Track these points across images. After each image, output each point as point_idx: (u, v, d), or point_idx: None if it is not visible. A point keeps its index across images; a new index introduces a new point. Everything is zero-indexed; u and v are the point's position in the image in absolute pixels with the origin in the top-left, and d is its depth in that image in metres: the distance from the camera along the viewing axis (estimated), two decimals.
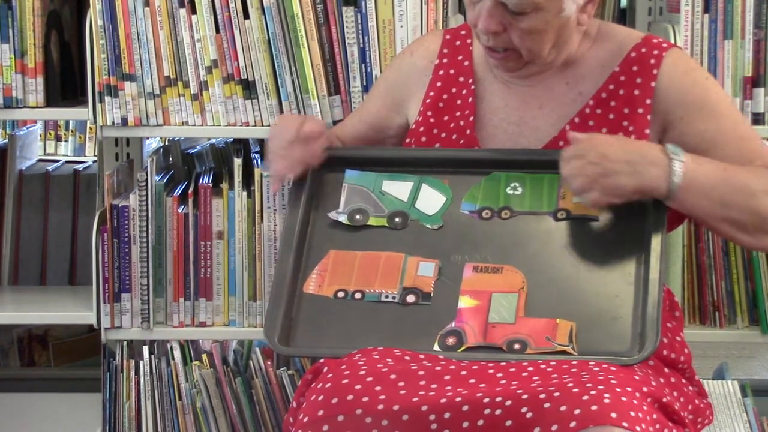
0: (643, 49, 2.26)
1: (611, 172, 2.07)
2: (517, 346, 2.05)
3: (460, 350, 2.06)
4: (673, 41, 2.55)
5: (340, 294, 2.17)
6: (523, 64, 2.24)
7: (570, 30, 2.21)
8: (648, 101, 2.24)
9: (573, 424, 1.82)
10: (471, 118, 2.30)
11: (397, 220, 2.23)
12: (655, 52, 2.25)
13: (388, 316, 2.13)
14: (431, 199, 2.23)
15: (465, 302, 2.11)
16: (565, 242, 2.15)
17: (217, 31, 2.60)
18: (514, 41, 2.18)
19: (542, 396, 1.86)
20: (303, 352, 2.15)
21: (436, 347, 2.07)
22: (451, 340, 2.08)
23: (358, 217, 2.24)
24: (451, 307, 2.11)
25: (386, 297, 2.15)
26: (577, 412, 1.83)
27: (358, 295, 2.16)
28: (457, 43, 2.37)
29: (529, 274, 2.12)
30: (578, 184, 2.09)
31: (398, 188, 2.26)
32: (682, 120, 2.22)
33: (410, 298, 2.14)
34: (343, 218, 2.24)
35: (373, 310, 2.14)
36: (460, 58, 2.36)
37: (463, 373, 1.96)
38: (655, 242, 2.10)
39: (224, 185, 2.65)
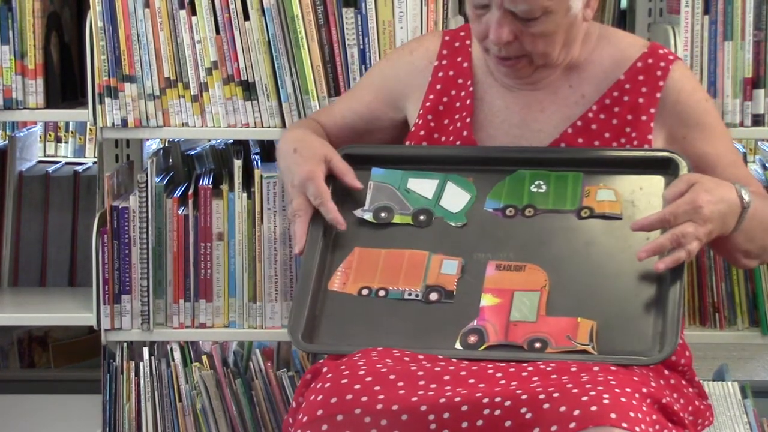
0: (650, 60, 2.28)
1: (708, 231, 2.08)
2: (537, 344, 2.05)
3: (481, 348, 2.07)
4: (673, 43, 2.56)
5: (365, 291, 2.17)
6: (533, 70, 2.24)
7: (577, 27, 2.22)
8: (652, 110, 2.26)
9: (572, 424, 1.82)
10: (468, 120, 2.31)
11: (421, 218, 2.23)
12: (662, 63, 2.28)
13: (411, 314, 2.13)
14: (456, 197, 2.24)
15: (487, 300, 2.12)
16: (587, 240, 2.16)
17: (217, 32, 2.60)
18: (526, 47, 2.18)
19: (541, 396, 1.86)
20: (326, 349, 2.15)
21: (457, 345, 2.08)
22: (472, 339, 2.08)
23: (383, 215, 2.25)
24: (473, 305, 2.12)
25: (409, 295, 2.16)
26: (576, 412, 1.82)
27: (381, 293, 2.17)
28: (456, 44, 2.37)
29: (552, 273, 2.13)
30: (695, 233, 2.07)
31: (423, 186, 2.26)
32: (685, 139, 2.28)
33: (433, 296, 2.15)
34: (368, 216, 2.25)
35: (396, 308, 2.15)
36: (459, 59, 2.36)
37: (463, 373, 1.96)
38: None
39: (224, 187, 2.65)
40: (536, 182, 2.23)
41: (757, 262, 2.27)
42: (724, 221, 2.10)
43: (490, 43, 2.20)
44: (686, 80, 2.30)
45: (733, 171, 2.27)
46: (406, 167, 2.28)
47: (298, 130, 2.38)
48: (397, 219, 2.25)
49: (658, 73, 2.27)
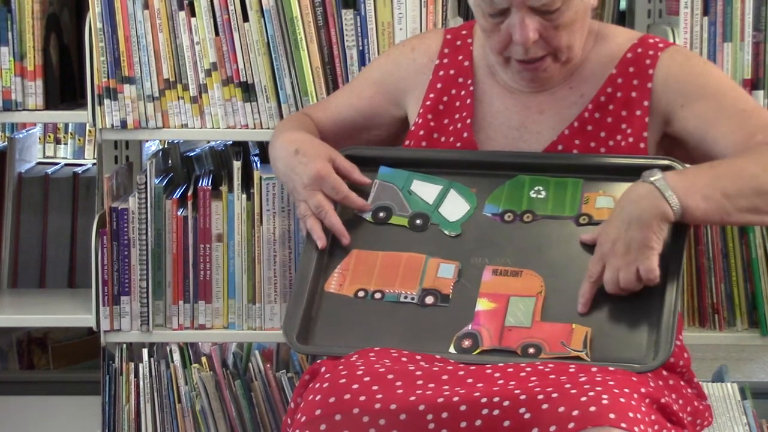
0: (639, 50, 2.26)
1: (626, 245, 2.04)
2: (531, 350, 2.05)
3: (474, 353, 2.07)
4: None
5: (361, 294, 2.17)
6: (558, 67, 2.22)
7: (589, 16, 2.22)
8: (645, 103, 2.24)
9: (571, 425, 1.81)
10: (468, 121, 2.30)
11: (418, 222, 2.23)
12: (651, 52, 2.26)
13: (406, 317, 2.14)
14: (456, 206, 2.24)
15: (483, 305, 2.11)
16: (584, 247, 2.15)
17: (217, 33, 2.60)
18: (550, 44, 2.17)
19: (540, 397, 1.86)
20: (320, 350, 2.15)
21: (451, 349, 2.08)
22: (466, 343, 2.08)
23: (381, 214, 2.25)
24: (468, 310, 2.11)
25: (405, 298, 2.16)
26: (575, 413, 1.82)
27: (378, 295, 2.17)
28: (458, 42, 2.37)
29: (548, 279, 2.12)
30: (625, 276, 2.04)
31: (426, 190, 2.26)
32: (683, 107, 2.23)
33: (429, 300, 2.15)
34: (367, 215, 2.25)
35: (391, 311, 2.15)
36: (460, 58, 2.35)
37: (461, 373, 1.96)
38: (674, 249, 2.09)
39: (223, 188, 2.65)
40: (536, 188, 2.23)
41: None
42: (641, 227, 2.03)
43: (514, 47, 2.18)
44: (677, 54, 2.26)
45: (740, 117, 2.18)
46: (414, 169, 2.28)
47: (294, 133, 2.35)
48: (394, 220, 2.25)
49: (648, 62, 2.25)
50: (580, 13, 2.18)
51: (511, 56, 2.21)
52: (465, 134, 2.30)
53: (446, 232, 2.21)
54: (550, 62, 2.21)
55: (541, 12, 2.14)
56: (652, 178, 2.05)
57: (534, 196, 2.22)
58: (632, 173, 2.18)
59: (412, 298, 2.15)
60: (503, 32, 2.17)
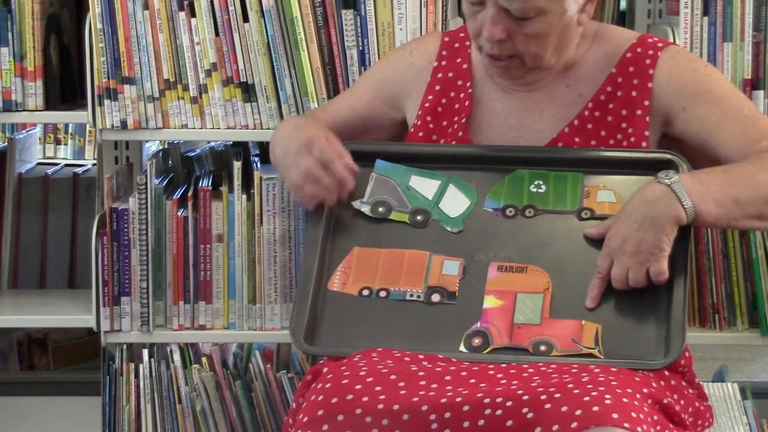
0: (639, 49, 2.27)
1: (637, 244, 2.05)
2: (543, 348, 2.05)
3: (485, 351, 2.06)
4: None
5: (365, 292, 2.17)
6: (526, 71, 2.23)
7: (571, 32, 2.21)
8: (646, 102, 2.25)
9: (574, 424, 1.82)
10: (463, 120, 2.30)
11: (419, 218, 2.23)
12: (651, 51, 2.26)
13: (413, 316, 2.13)
14: (456, 202, 2.23)
15: (490, 302, 2.11)
16: (589, 242, 2.15)
17: (217, 34, 2.60)
18: (518, 47, 2.18)
19: (543, 397, 1.86)
20: (328, 351, 2.14)
21: (462, 348, 2.08)
22: (476, 341, 2.08)
23: (380, 209, 2.24)
24: (476, 307, 2.11)
25: (411, 296, 2.15)
26: (578, 412, 1.83)
27: (383, 294, 2.16)
28: (456, 45, 2.37)
29: (554, 274, 2.12)
30: (634, 276, 2.06)
31: (425, 185, 2.26)
32: (685, 110, 2.24)
33: (435, 298, 2.14)
34: (366, 209, 2.24)
35: (397, 309, 2.14)
36: (458, 60, 2.36)
37: (463, 373, 1.96)
38: (680, 245, 2.09)
39: (224, 188, 2.64)
40: (535, 182, 2.23)
41: None
42: (654, 229, 2.05)
43: (483, 40, 2.19)
44: (678, 56, 2.27)
45: (742, 124, 2.19)
46: (410, 164, 2.28)
47: (295, 118, 2.40)
48: (394, 216, 2.24)
49: (648, 61, 2.26)
50: (556, 27, 2.17)
51: (482, 46, 2.21)
52: (460, 134, 2.30)
53: (448, 228, 2.21)
54: (518, 65, 2.22)
55: (513, 15, 2.14)
56: (668, 180, 2.06)
57: (534, 190, 2.22)
58: (632, 166, 2.19)
59: (418, 296, 2.15)
60: (478, 21, 2.18)
